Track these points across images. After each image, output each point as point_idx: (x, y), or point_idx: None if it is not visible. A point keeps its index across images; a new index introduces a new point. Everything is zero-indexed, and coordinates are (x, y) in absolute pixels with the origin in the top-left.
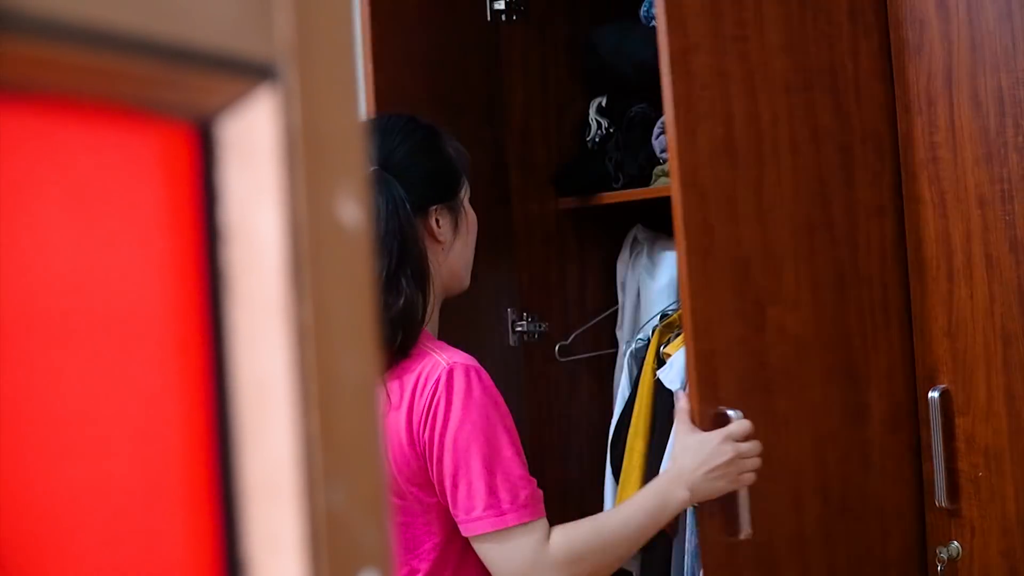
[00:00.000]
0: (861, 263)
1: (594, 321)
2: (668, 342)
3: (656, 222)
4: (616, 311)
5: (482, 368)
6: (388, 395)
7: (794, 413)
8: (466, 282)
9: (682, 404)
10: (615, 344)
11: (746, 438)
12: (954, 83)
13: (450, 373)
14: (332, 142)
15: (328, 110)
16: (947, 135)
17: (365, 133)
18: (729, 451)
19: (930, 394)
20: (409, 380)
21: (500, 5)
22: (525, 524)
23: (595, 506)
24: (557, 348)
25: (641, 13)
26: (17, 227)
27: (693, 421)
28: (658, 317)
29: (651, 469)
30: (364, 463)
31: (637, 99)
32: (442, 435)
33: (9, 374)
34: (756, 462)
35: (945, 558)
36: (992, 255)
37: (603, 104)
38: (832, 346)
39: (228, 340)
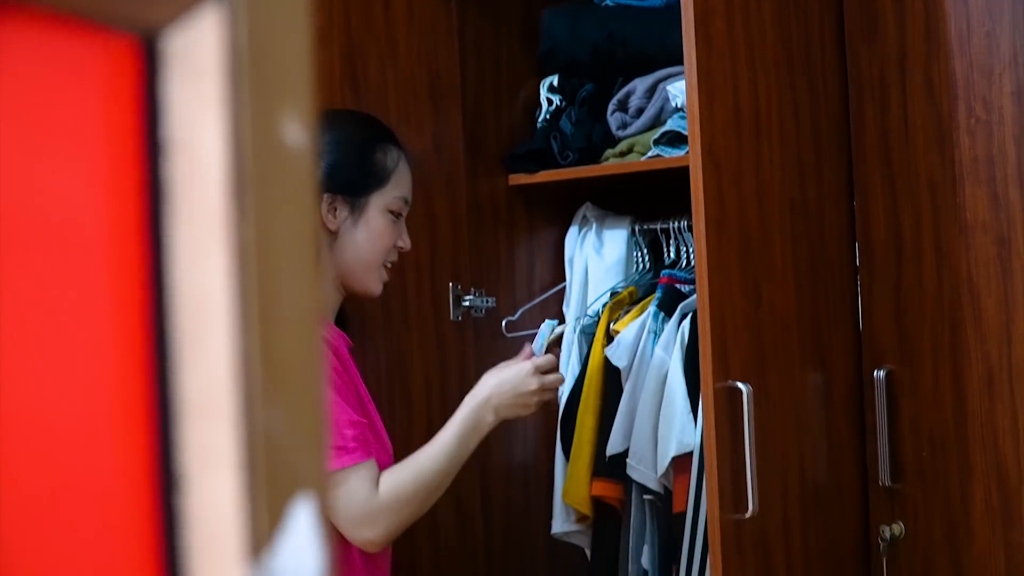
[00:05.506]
0: (827, 243)
1: (542, 298)
2: (617, 319)
3: (605, 201)
4: (564, 288)
5: None
6: None
7: (781, 392)
8: (369, 286)
9: (519, 357)
10: (561, 321)
11: (548, 371)
12: (908, 66)
13: None
14: (278, 62)
15: (276, 30)
16: (899, 119)
17: (311, 59)
18: (535, 383)
19: (876, 374)
20: None
21: None
22: (359, 465)
23: (539, 484)
24: (504, 323)
25: None
26: None
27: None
28: (608, 294)
29: (601, 444)
30: (303, 386)
31: (588, 80)
32: None
33: None
34: (553, 394)
35: (888, 537)
36: (942, 238)
37: (555, 83)
38: (808, 326)
39: (168, 255)
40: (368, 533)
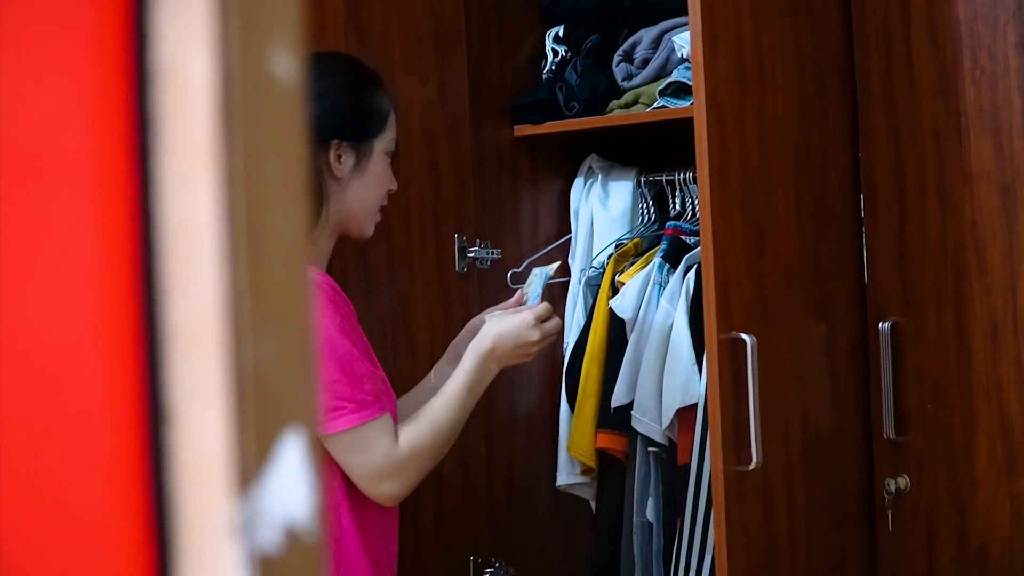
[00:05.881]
0: (831, 192)
1: (547, 249)
2: (623, 271)
3: (611, 152)
4: (569, 240)
5: (317, 274)
6: None
7: (784, 343)
8: (366, 230)
9: (510, 301)
10: (566, 273)
11: (546, 319)
12: (911, 15)
13: None
14: None
15: None
16: (903, 67)
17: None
18: (536, 334)
19: (881, 325)
20: None
21: None
22: (378, 419)
23: (544, 435)
24: (509, 275)
25: None
26: None
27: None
28: (613, 246)
29: (606, 396)
30: (293, 317)
31: (593, 31)
32: None
33: None
34: (552, 340)
35: (893, 490)
36: (946, 188)
37: (560, 33)
38: (811, 276)
39: (156, 184)
40: (389, 487)
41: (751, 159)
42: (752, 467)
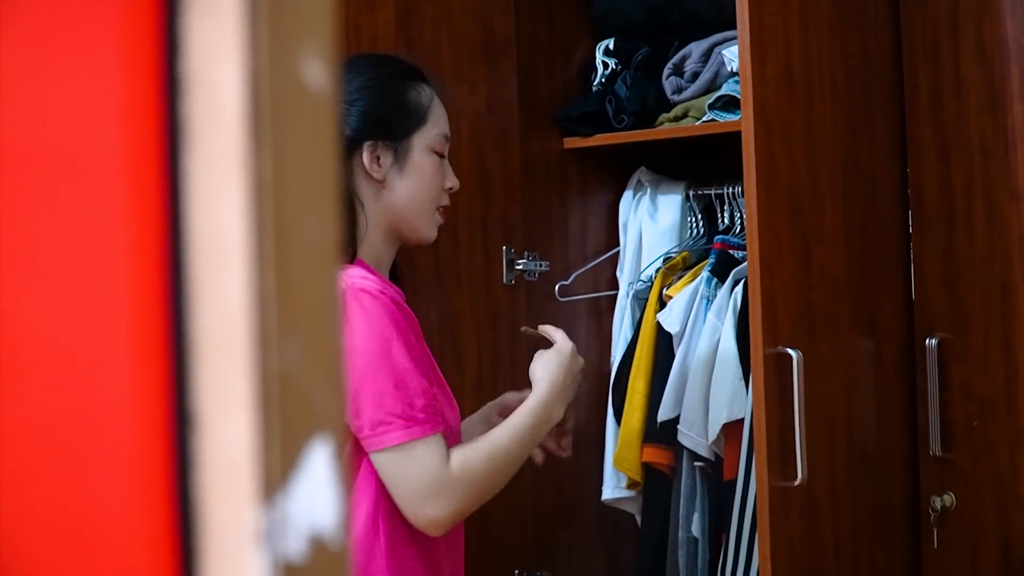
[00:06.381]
0: (879, 206)
1: (595, 262)
2: (670, 285)
3: (660, 165)
4: (617, 253)
5: (378, 286)
6: None
7: (830, 358)
8: (422, 232)
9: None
10: (614, 286)
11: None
12: (960, 29)
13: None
14: (298, 2)
15: None
16: (951, 81)
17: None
18: (578, 365)
19: (928, 342)
20: None
21: None
22: (429, 437)
23: (590, 449)
24: (557, 288)
25: None
26: None
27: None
28: (661, 260)
29: (652, 410)
30: (320, 323)
31: (644, 43)
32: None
33: None
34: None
35: (939, 507)
36: (993, 204)
37: (610, 46)
38: (858, 290)
39: (185, 190)
40: (434, 509)
41: (799, 172)
42: (797, 482)
